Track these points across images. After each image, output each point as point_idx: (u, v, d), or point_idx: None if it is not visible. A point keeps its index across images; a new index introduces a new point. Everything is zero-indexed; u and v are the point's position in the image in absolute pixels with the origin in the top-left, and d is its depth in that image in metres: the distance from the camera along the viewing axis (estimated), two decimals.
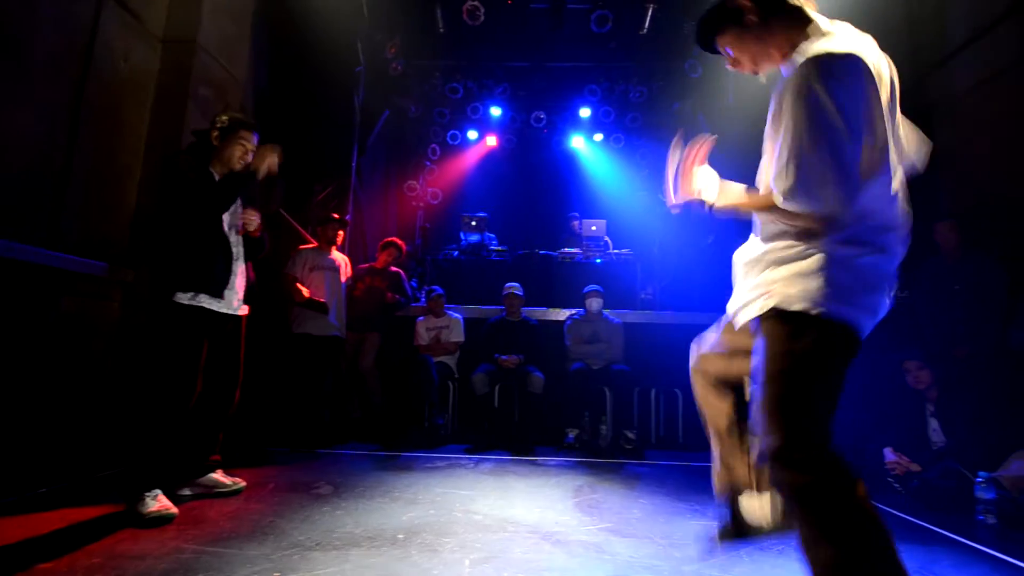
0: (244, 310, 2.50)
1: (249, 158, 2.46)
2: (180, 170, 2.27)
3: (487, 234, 6.37)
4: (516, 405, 4.20)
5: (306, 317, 3.70)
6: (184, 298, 2.21)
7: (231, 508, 2.23)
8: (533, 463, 3.38)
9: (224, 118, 2.44)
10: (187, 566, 1.61)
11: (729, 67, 1.35)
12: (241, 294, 2.45)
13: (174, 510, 2.06)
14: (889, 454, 2.98)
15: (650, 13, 5.36)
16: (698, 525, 2.22)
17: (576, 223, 6.26)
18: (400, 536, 1.93)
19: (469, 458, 3.42)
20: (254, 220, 2.45)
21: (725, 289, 4.93)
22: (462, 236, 6.33)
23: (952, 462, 2.68)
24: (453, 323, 4.41)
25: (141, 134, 3.45)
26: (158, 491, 2.08)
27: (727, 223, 5.47)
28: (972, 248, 3.36)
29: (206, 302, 2.25)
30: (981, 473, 2.47)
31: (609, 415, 4.19)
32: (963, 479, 2.58)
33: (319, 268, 3.80)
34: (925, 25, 4.26)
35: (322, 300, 3.68)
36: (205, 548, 1.76)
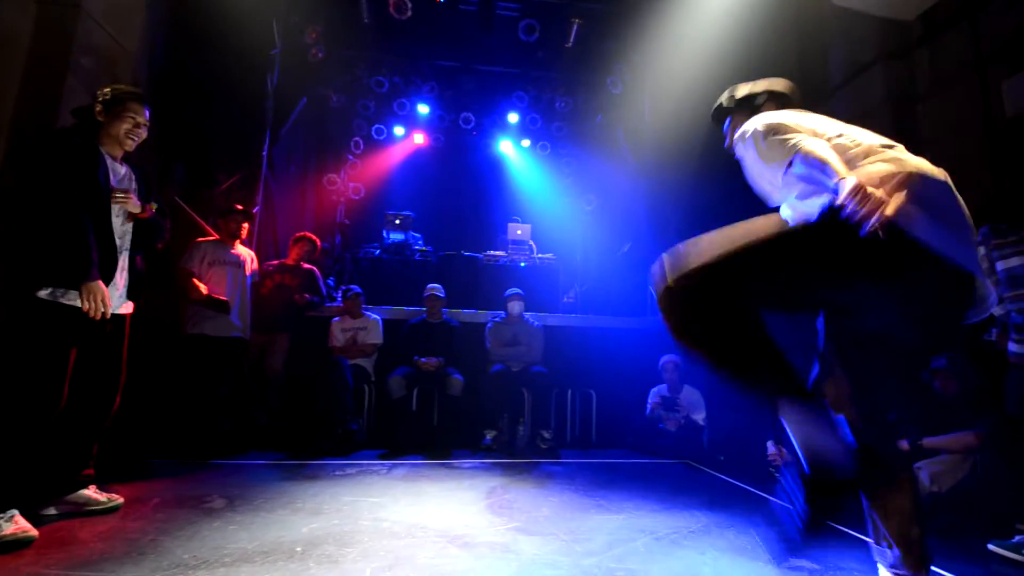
0: (127, 308, 2.26)
1: (142, 133, 2.25)
2: (61, 147, 2.02)
3: (411, 233, 6.26)
4: (435, 408, 4.16)
5: (203, 317, 3.41)
6: (48, 294, 1.96)
7: (105, 527, 2.01)
8: (448, 467, 3.36)
9: (107, 90, 2.20)
10: None
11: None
12: (122, 289, 2.21)
13: (33, 532, 1.82)
14: (770, 447, 3.29)
15: (575, 29, 5.54)
16: (602, 519, 2.32)
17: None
18: (299, 549, 1.84)
19: (382, 464, 3.33)
20: (128, 200, 2.19)
21: (640, 294, 5.20)
22: (385, 234, 6.16)
23: None
24: (371, 324, 4.28)
25: (7, 106, 3.01)
26: (14, 512, 1.83)
27: (643, 233, 5.80)
28: None
29: (77, 299, 2.01)
30: None
31: (527, 416, 4.27)
32: None
33: (219, 263, 3.52)
34: (812, 63, 4.78)
35: (223, 298, 3.41)
36: (70, 572, 1.58)
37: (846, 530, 2.21)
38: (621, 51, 6.03)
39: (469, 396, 4.04)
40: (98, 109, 2.17)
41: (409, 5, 5.11)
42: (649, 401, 4.26)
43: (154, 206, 2.28)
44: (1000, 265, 2.35)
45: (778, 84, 1.72)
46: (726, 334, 1.22)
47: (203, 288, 3.33)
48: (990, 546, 2.09)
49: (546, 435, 4.05)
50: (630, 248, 6.27)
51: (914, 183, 1.22)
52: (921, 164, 1.31)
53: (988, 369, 2.76)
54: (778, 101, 1.66)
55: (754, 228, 1.30)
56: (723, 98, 1.77)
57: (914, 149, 4.18)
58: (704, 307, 1.21)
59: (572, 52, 5.90)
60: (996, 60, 3.33)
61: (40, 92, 3.07)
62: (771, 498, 2.82)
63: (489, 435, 3.99)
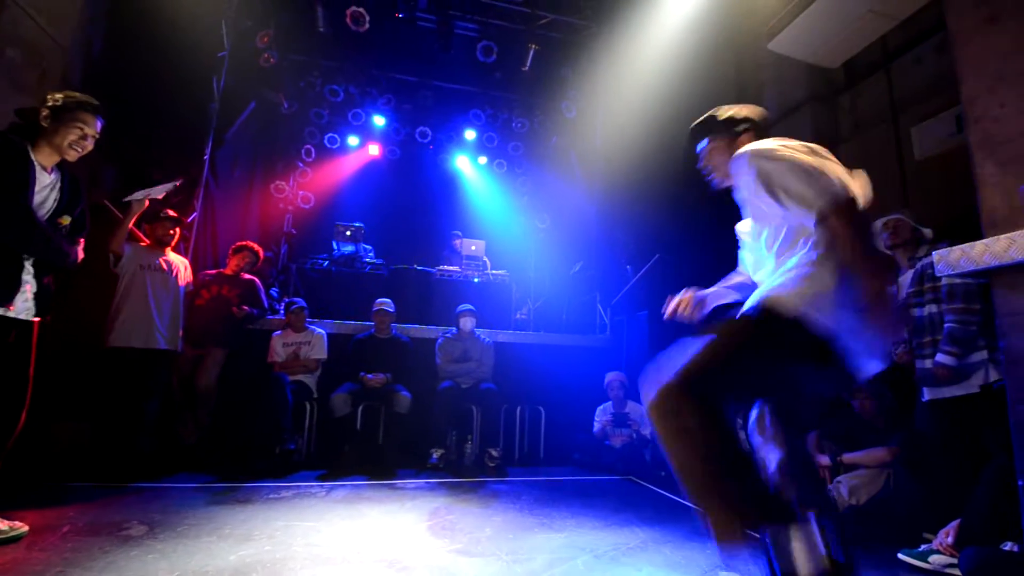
0: (33, 316, 2.09)
1: (88, 145, 2.12)
2: None
3: (362, 245, 6.14)
4: (380, 426, 4.05)
5: (127, 329, 3.19)
6: None
7: (5, 559, 1.82)
8: (391, 487, 3.27)
9: (59, 96, 2.08)
10: None
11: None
12: (29, 295, 2.04)
13: None
14: None
15: (531, 53, 5.70)
16: (544, 537, 2.33)
17: (458, 241, 6.32)
18: None
19: (321, 486, 3.20)
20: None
21: (589, 313, 5.30)
22: (335, 245, 6.01)
23: None
24: (315, 339, 4.14)
25: None
26: None
27: (594, 252, 5.96)
28: None
29: None
30: None
31: (476, 434, 4.24)
32: None
33: (148, 269, 3.32)
34: (750, 101, 5.11)
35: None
36: None
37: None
38: (574, 78, 6.25)
39: (417, 413, 3.97)
40: (44, 114, 2.04)
41: (367, 18, 5.09)
42: (598, 419, 4.34)
43: (66, 220, 2.13)
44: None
45: (757, 112, 1.69)
46: (710, 444, 1.24)
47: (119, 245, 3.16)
48: (900, 555, 2.25)
49: (494, 453, 4.03)
50: (581, 267, 6.42)
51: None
52: None
53: (902, 389, 3.00)
54: (757, 130, 1.64)
55: (728, 335, 1.32)
56: (705, 117, 1.75)
57: None
58: (690, 417, 1.24)
59: (529, 75, 6.05)
60: (907, 107, 3.70)
61: None
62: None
63: (436, 453, 3.93)
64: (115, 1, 4.07)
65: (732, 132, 1.65)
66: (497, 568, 1.95)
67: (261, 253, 4.20)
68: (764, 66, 4.89)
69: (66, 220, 2.12)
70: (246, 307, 3.88)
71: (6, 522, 2.02)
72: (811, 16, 3.46)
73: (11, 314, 1.96)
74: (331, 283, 5.54)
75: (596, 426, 4.31)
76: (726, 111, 1.70)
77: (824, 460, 2.89)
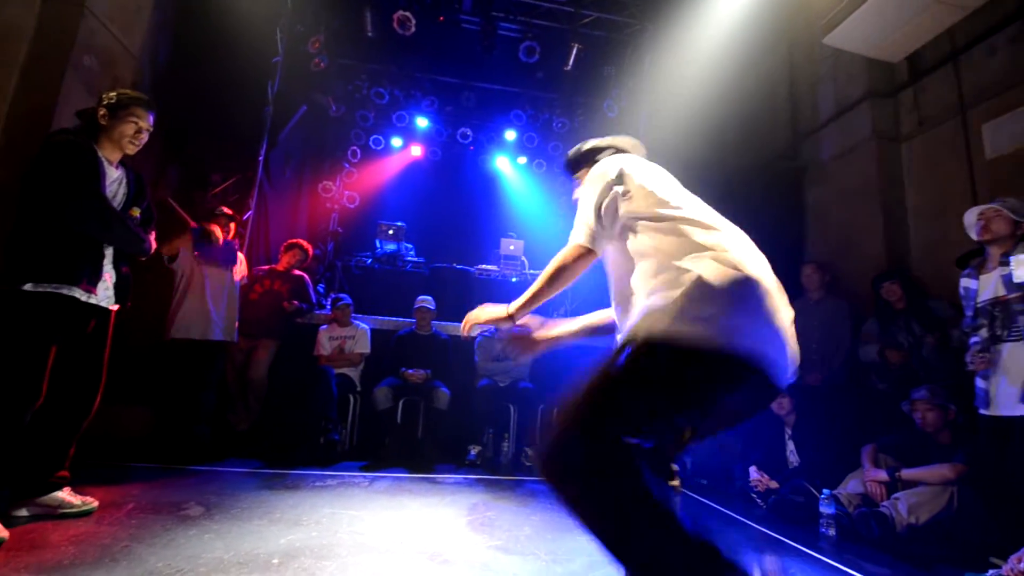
0: (113, 305, 2.24)
1: (143, 138, 2.24)
2: (66, 150, 2.02)
3: (404, 244, 6.27)
4: (420, 421, 4.13)
5: (187, 322, 3.38)
6: (32, 287, 1.94)
7: (78, 531, 1.96)
8: (431, 481, 3.33)
9: (113, 94, 2.21)
10: None
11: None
12: (110, 284, 2.19)
13: (3, 533, 1.78)
14: (753, 472, 3.31)
15: (574, 52, 5.66)
16: (583, 539, 2.31)
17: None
18: (275, 561, 1.81)
19: (364, 476, 3.29)
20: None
21: None
22: (378, 244, 6.17)
23: (801, 480, 3.04)
24: (359, 334, 4.26)
25: (4, 99, 3.00)
26: None
27: None
28: (829, 290, 3.90)
29: (65, 289, 1.99)
30: (825, 490, 2.82)
31: (512, 432, 4.25)
32: (810, 495, 2.93)
33: (206, 265, 3.50)
34: (802, 99, 4.92)
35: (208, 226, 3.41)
36: None
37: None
38: (617, 77, 6.17)
39: (455, 410, 4.02)
40: (102, 112, 2.17)
41: (413, 21, 5.19)
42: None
43: (136, 212, 2.26)
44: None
45: (624, 142, 1.60)
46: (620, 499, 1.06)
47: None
48: None
49: (531, 452, 4.02)
50: None
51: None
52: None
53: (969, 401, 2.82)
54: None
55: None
56: (571, 151, 1.65)
57: (897, 186, 4.27)
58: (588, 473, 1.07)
59: (571, 75, 6.02)
60: (977, 103, 3.47)
61: (38, 89, 3.07)
62: (752, 524, 2.83)
63: (474, 450, 3.96)
64: (179, 11, 4.31)
65: (595, 161, 1.51)
66: (536, 567, 1.95)
67: (310, 251, 4.37)
68: (819, 61, 4.69)
69: (136, 212, 2.26)
70: (296, 302, 4.05)
71: (79, 497, 2.18)
72: (872, 8, 3.29)
73: (93, 300, 2.09)
74: (374, 280, 5.69)
75: None
76: (590, 143, 1.62)
77: (881, 475, 2.74)
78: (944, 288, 3.44)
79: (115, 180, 2.22)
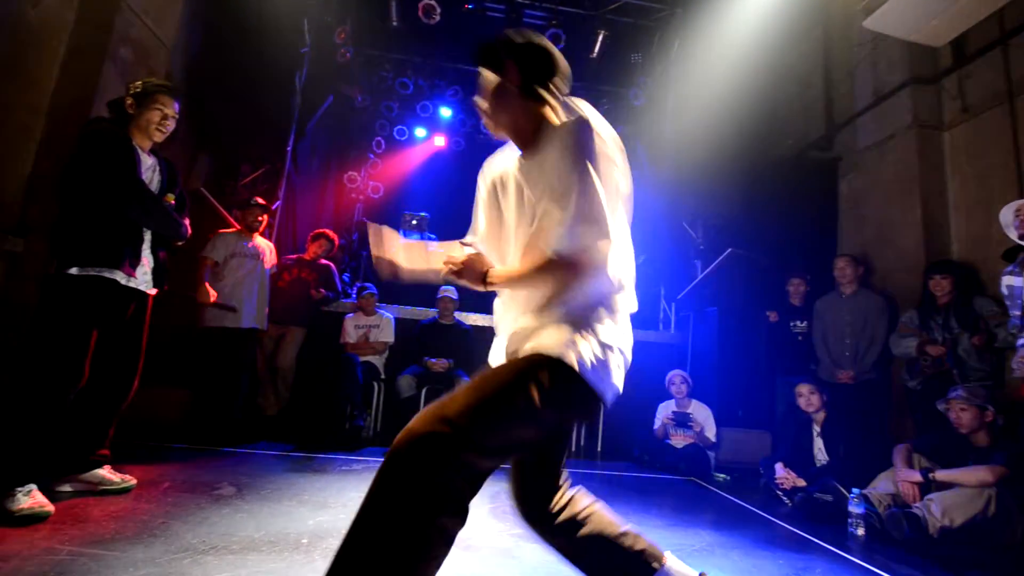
0: (151, 290, 2.31)
1: (170, 125, 2.29)
2: (104, 138, 2.08)
3: (427, 234, 6.31)
4: None
5: (221, 311, 3.46)
6: (77, 271, 2.02)
7: (117, 507, 2.05)
8: None
9: (138, 83, 2.26)
10: (59, 569, 1.46)
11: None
12: (148, 268, 2.25)
13: (49, 508, 1.86)
14: (779, 469, 3.26)
15: (600, 39, 5.57)
16: None
17: None
18: (304, 541, 1.86)
19: None
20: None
21: (652, 307, 5.16)
22: (402, 234, 6.22)
23: (830, 478, 2.98)
24: (384, 322, 4.32)
25: (46, 91, 3.11)
26: (32, 486, 1.88)
27: (658, 245, 5.79)
28: (863, 284, 3.78)
29: (107, 273, 2.06)
30: (854, 490, 2.76)
31: None
32: (839, 494, 2.87)
33: (239, 254, 3.59)
34: (837, 86, 4.75)
35: (231, 305, 3.47)
36: (83, 550, 1.61)
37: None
38: (644, 64, 6.05)
39: None
40: (129, 102, 2.22)
41: (438, 10, 5.17)
42: (659, 416, 4.23)
43: (171, 198, 2.32)
44: None
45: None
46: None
47: (212, 295, 3.32)
48: None
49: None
50: (644, 260, 6.26)
51: None
52: None
53: (1010, 401, 2.71)
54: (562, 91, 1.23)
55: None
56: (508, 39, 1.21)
57: (938, 176, 4.10)
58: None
59: (596, 63, 5.92)
60: None
61: (78, 81, 3.17)
62: (777, 521, 2.79)
63: None
64: (209, 2, 4.38)
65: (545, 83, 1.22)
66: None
67: (336, 240, 4.44)
68: (857, 46, 4.51)
69: (171, 198, 2.32)
70: (323, 290, 4.13)
71: (119, 475, 2.27)
72: None
73: (133, 284, 2.17)
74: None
75: (656, 423, 4.22)
76: (545, 43, 1.26)
77: (915, 476, 2.67)
78: (986, 285, 3.31)
79: (149, 167, 2.28)
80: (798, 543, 2.46)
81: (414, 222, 6.29)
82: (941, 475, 2.60)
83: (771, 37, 4.94)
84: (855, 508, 2.71)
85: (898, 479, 2.75)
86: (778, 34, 4.94)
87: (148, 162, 2.27)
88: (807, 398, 3.34)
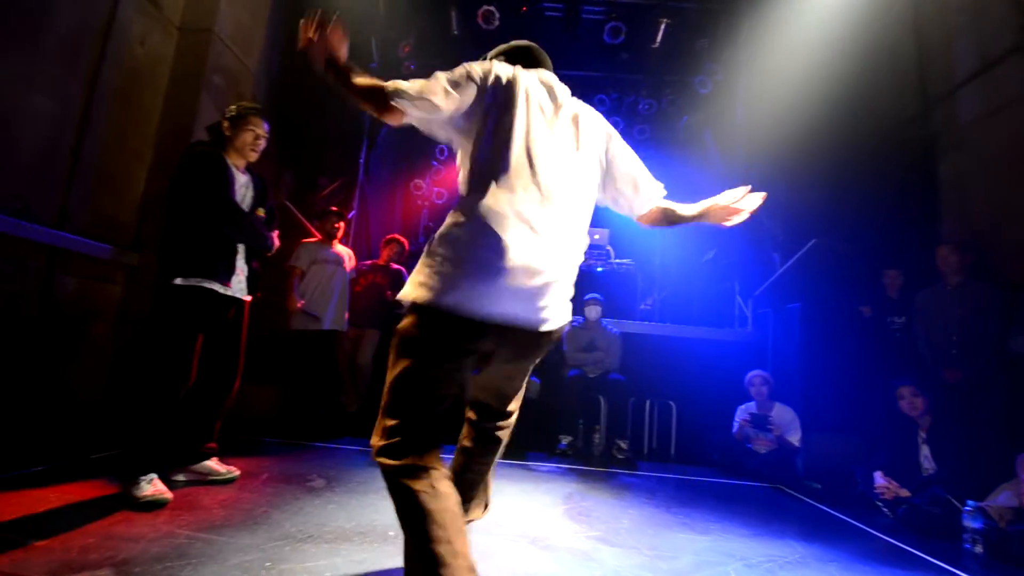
0: (247, 296, 2.50)
1: (262, 144, 2.47)
2: (201, 161, 2.29)
3: None
4: None
5: (306, 316, 3.72)
6: (184, 281, 2.22)
7: (224, 496, 2.24)
8: (524, 468, 3.39)
9: (233, 107, 2.46)
10: (180, 551, 1.62)
11: None
12: (243, 276, 2.44)
13: (168, 495, 2.07)
14: (879, 478, 3.00)
15: (663, 28, 5.41)
16: (686, 538, 2.24)
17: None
18: (391, 533, 1.95)
19: None
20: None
21: (725, 304, 4.95)
22: None
23: (940, 489, 2.70)
24: None
25: (153, 120, 3.48)
26: (154, 475, 2.09)
27: (729, 239, 5.53)
28: (971, 274, 3.40)
29: (207, 283, 2.26)
30: (969, 502, 2.49)
31: (603, 424, 4.21)
32: (950, 507, 2.60)
33: (321, 261, 3.82)
34: (933, 56, 4.31)
35: (314, 314, 3.72)
36: (198, 534, 1.78)
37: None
38: (711, 50, 5.79)
39: (545, 399, 4.06)
40: (225, 124, 2.43)
41: (497, 15, 5.24)
42: (737, 419, 4.03)
43: (262, 212, 2.50)
44: None
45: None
46: None
47: (297, 303, 3.65)
48: None
49: (623, 445, 3.96)
50: (715, 255, 5.99)
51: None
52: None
53: None
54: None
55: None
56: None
57: None
58: None
59: (658, 52, 5.76)
60: None
61: (179, 108, 3.52)
62: (878, 534, 2.57)
63: (565, 440, 3.98)
64: (288, 28, 4.69)
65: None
66: (639, 561, 1.92)
67: (407, 245, 4.62)
68: (955, 11, 4.07)
69: (262, 212, 2.51)
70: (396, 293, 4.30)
71: (224, 466, 2.48)
72: None
73: (229, 292, 2.36)
74: None
75: (735, 426, 4.02)
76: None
77: None
78: None
79: (243, 184, 2.46)
80: (904, 559, 2.26)
81: None
82: None
83: (852, 8, 4.57)
84: (971, 523, 2.45)
85: (1022, 492, 2.45)
86: (859, 4, 4.56)
87: (242, 179, 2.46)
88: (910, 401, 3.05)
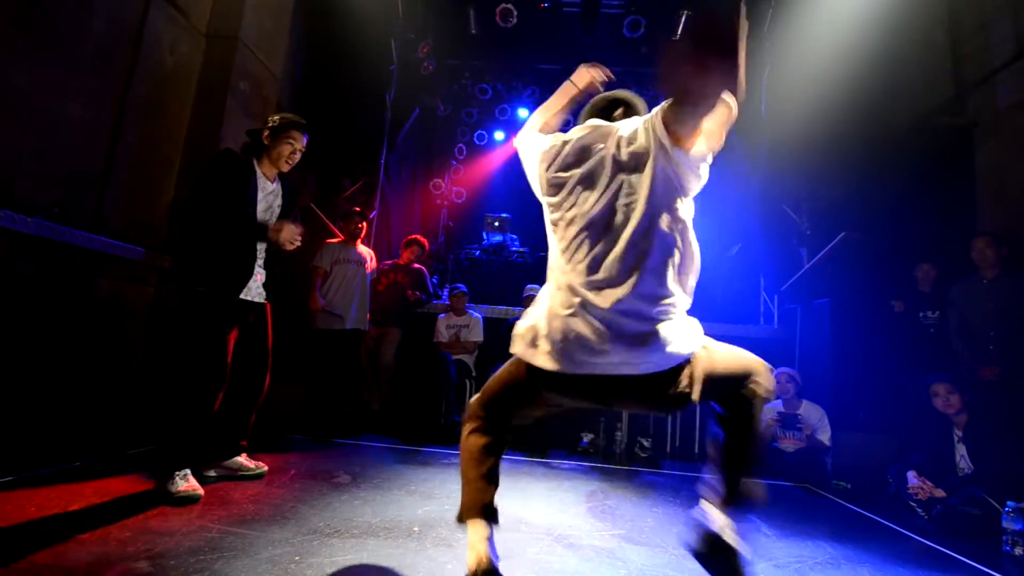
0: (266, 300, 2.53)
1: (296, 158, 2.50)
2: (222, 167, 2.34)
3: (509, 235, 6.41)
4: None
5: (329, 315, 3.79)
6: (204, 288, 2.27)
7: (254, 491, 2.30)
8: (547, 465, 3.39)
9: (276, 117, 2.48)
10: (213, 544, 1.67)
11: None
12: (260, 282, 2.46)
13: (201, 491, 2.13)
14: (912, 478, 2.91)
15: (684, 19, 5.32)
16: None
17: None
18: (416, 529, 1.97)
19: None
20: (295, 242, 2.44)
21: (750, 300, 4.86)
22: (484, 236, 6.38)
23: (978, 490, 2.61)
24: (473, 322, 4.45)
25: (183, 125, 3.57)
26: (187, 471, 2.15)
27: (755, 233, 5.42)
28: (1008, 267, 3.27)
29: (224, 289, 2.30)
30: (1009, 503, 2.40)
31: (625, 422, 4.18)
32: (989, 508, 2.51)
33: (344, 261, 3.89)
34: (969, 40, 4.14)
35: (336, 313, 3.79)
36: (229, 528, 1.83)
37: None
38: None
39: None
40: (265, 133, 2.46)
41: (515, 13, 5.24)
42: (764, 418, 3.95)
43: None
44: None
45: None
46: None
47: (319, 303, 3.74)
48: None
49: (645, 443, 3.93)
50: (740, 249, 5.88)
51: None
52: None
53: None
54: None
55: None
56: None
57: None
58: None
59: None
60: None
61: (206, 115, 3.60)
62: (912, 535, 2.50)
63: (586, 437, 3.97)
64: (311, 34, 4.78)
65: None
66: (665, 560, 1.90)
67: (427, 245, 4.66)
68: None
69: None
70: (417, 293, 4.35)
71: (253, 462, 2.54)
72: None
73: (248, 297, 2.40)
74: (481, 271, 5.89)
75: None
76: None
77: None
78: None
79: (271, 192, 2.50)
80: (940, 560, 2.19)
81: (496, 224, 6.41)
82: None
83: None
84: (1012, 524, 2.35)
85: None
86: None
87: (270, 187, 2.48)
88: (944, 398, 2.95)
